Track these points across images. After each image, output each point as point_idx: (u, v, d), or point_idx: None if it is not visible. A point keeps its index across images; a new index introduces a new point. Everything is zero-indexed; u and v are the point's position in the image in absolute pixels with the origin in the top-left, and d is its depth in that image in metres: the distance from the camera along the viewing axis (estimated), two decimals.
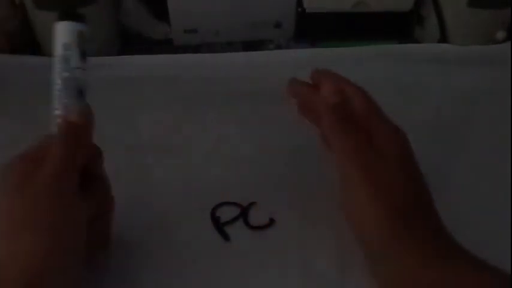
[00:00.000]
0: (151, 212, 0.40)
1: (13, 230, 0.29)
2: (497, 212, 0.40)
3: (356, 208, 0.34)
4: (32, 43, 0.56)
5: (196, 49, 0.59)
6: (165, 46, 0.59)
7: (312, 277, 0.36)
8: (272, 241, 0.39)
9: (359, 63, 0.54)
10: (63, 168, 0.31)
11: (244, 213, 0.40)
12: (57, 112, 0.33)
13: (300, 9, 0.57)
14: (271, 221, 0.40)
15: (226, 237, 0.39)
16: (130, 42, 0.59)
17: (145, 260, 0.37)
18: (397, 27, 0.59)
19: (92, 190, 0.33)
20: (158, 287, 0.36)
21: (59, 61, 0.33)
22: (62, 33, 0.33)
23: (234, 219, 0.40)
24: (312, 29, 0.59)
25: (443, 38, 0.57)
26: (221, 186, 0.42)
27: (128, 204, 0.38)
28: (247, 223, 0.40)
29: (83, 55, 0.33)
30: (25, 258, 0.29)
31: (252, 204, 0.41)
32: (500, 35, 0.56)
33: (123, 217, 0.37)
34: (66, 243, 0.30)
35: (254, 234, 0.39)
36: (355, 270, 0.37)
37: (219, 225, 0.39)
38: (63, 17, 0.33)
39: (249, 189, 0.42)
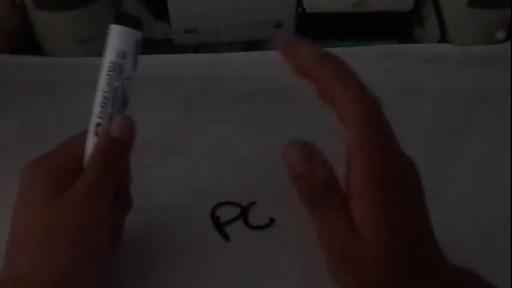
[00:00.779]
0: (151, 212, 0.40)
1: (40, 243, 0.29)
2: (497, 212, 0.40)
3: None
4: (32, 43, 0.56)
5: (196, 49, 0.59)
6: (165, 46, 0.59)
7: (312, 277, 0.36)
8: (272, 241, 0.39)
9: (359, 63, 0.54)
10: (99, 185, 0.30)
11: (244, 213, 0.40)
12: (98, 120, 0.32)
13: (300, 9, 0.57)
14: (271, 221, 0.40)
15: (226, 237, 0.39)
16: None
17: (145, 260, 0.37)
18: (397, 27, 0.59)
19: (119, 202, 0.33)
20: (158, 286, 0.36)
21: (111, 68, 0.31)
22: (119, 39, 0.31)
23: (234, 219, 0.40)
24: (312, 29, 0.59)
25: (443, 38, 0.57)
26: (221, 186, 0.42)
27: None
28: (247, 223, 0.40)
29: (135, 65, 0.32)
30: (51, 274, 0.28)
31: (252, 204, 0.41)
32: (500, 35, 0.56)
33: None
34: (93, 260, 0.30)
35: (254, 234, 0.39)
36: None
37: (219, 225, 0.39)
38: (120, 20, 0.31)
39: (249, 189, 0.42)
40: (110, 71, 0.31)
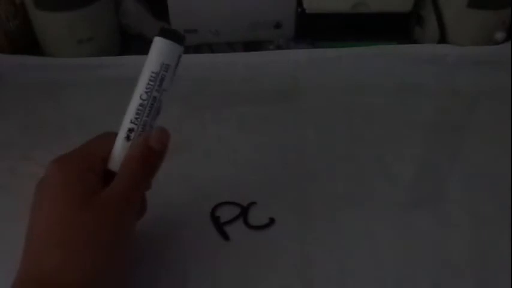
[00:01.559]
0: (150, 212, 0.40)
1: (71, 244, 0.29)
2: (497, 212, 0.40)
3: None
4: (32, 43, 0.56)
5: (196, 49, 0.59)
6: None
7: (312, 277, 0.36)
8: (272, 241, 0.39)
9: (359, 63, 0.54)
10: (134, 192, 0.31)
11: (244, 212, 0.40)
12: (132, 126, 0.32)
13: (300, 10, 0.57)
14: (271, 221, 0.40)
15: (226, 237, 0.39)
16: (130, 42, 0.59)
17: (145, 260, 0.37)
18: (397, 28, 0.59)
19: (141, 208, 0.34)
20: (158, 286, 0.36)
21: (153, 78, 0.32)
22: (165, 52, 0.32)
23: (234, 219, 0.40)
24: (312, 29, 0.59)
25: (443, 39, 0.57)
26: (221, 186, 0.42)
27: None
28: (247, 223, 0.40)
29: (173, 78, 0.33)
30: (79, 275, 0.28)
31: (252, 204, 0.41)
32: (500, 35, 0.56)
33: None
34: (119, 264, 0.30)
35: (254, 234, 0.39)
36: (355, 270, 0.37)
37: (219, 225, 0.39)
38: (166, 34, 0.32)
39: (249, 189, 0.42)
40: (151, 80, 0.32)
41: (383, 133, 0.47)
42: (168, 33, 0.32)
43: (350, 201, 0.41)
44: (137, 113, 0.32)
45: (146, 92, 0.32)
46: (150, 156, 0.32)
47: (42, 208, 0.30)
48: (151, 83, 0.32)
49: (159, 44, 0.32)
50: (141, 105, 0.32)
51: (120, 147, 0.32)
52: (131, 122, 0.32)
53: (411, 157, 0.45)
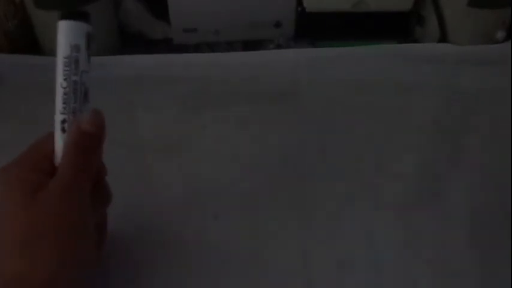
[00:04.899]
0: (150, 212, 0.40)
1: (22, 246, 0.28)
2: (497, 212, 0.40)
3: None
4: (32, 43, 0.56)
5: (196, 49, 0.59)
6: (165, 45, 0.59)
7: (312, 277, 0.36)
8: (272, 241, 0.39)
9: (359, 63, 0.54)
10: (74, 181, 0.30)
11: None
12: (63, 117, 0.32)
13: (300, 9, 0.57)
14: None
15: None
16: (130, 42, 0.59)
17: (145, 260, 0.37)
18: (397, 27, 0.59)
19: (98, 196, 0.33)
20: (158, 286, 0.36)
21: (66, 63, 0.31)
22: (70, 34, 0.31)
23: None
24: (312, 29, 0.59)
25: (443, 38, 0.57)
26: (221, 186, 0.42)
27: (127, 204, 0.38)
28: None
29: (89, 58, 0.32)
30: (38, 275, 0.28)
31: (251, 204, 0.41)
32: (500, 35, 0.56)
33: (122, 217, 0.37)
34: (79, 257, 0.30)
35: (254, 234, 0.39)
36: (356, 269, 0.37)
37: None
38: (66, 16, 0.31)
39: (249, 189, 0.42)
40: (65, 65, 0.31)
41: (383, 132, 0.47)
42: (69, 15, 0.31)
43: (350, 200, 0.41)
44: (64, 102, 0.32)
45: (65, 79, 0.31)
46: (85, 140, 0.31)
47: None
48: (66, 68, 0.31)
49: (62, 28, 0.31)
50: (65, 93, 0.31)
51: (59, 141, 0.32)
52: (61, 113, 0.32)
53: (411, 157, 0.45)
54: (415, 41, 0.60)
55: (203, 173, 0.43)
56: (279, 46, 0.59)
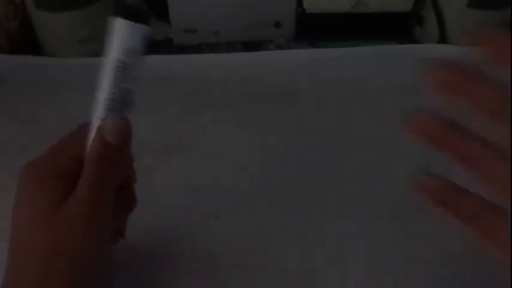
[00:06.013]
0: (150, 212, 0.40)
1: (41, 261, 0.28)
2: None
3: None
4: (32, 43, 0.56)
5: (196, 49, 0.59)
6: (165, 46, 0.59)
7: (312, 277, 0.36)
8: (272, 241, 0.39)
9: (359, 63, 0.54)
10: (97, 194, 0.29)
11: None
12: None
13: (300, 9, 0.57)
14: None
15: None
16: None
17: (145, 260, 0.37)
18: (397, 28, 0.59)
19: (122, 203, 0.32)
20: (157, 286, 0.36)
21: (117, 68, 0.28)
22: (125, 36, 0.27)
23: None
24: (312, 29, 0.59)
25: (443, 38, 0.57)
26: (221, 186, 0.42)
27: None
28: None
29: (143, 64, 0.28)
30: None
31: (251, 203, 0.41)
32: None
33: None
34: (95, 268, 0.30)
35: (254, 234, 0.39)
36: (356, 269, 0.37)
37: None
38: (124, 13, 0.28)
39: (249, 189, 0.42)
40: (115, 70, 0.28)
41: (383, 133, 0.47)
42: (128, 12, 0.28)
43: (350, 201, 0.41)
44: (108, 109, 0.29)
45: (113, 85, 0.29)
46: (107, 152, 0.29)
47: (14, 221, 0.30)
48: (115, 73, 0.28)
49: (117, 28, 0.28)
50: (110, 100, 0.29)
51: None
52: (102, 119, 0.29)
53: (411, 157, 0.45)
54: (415, 41, 0.60)
55: (203, 173, 0.43)
56: (279, 46, 0.59)
